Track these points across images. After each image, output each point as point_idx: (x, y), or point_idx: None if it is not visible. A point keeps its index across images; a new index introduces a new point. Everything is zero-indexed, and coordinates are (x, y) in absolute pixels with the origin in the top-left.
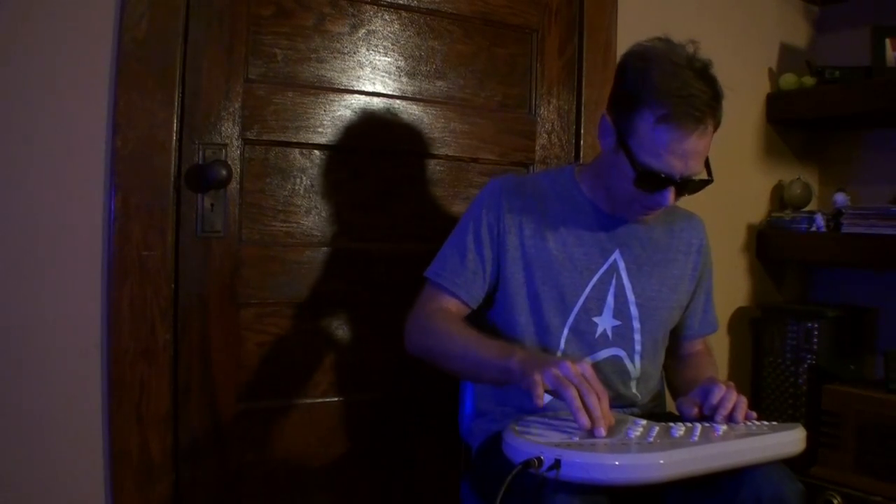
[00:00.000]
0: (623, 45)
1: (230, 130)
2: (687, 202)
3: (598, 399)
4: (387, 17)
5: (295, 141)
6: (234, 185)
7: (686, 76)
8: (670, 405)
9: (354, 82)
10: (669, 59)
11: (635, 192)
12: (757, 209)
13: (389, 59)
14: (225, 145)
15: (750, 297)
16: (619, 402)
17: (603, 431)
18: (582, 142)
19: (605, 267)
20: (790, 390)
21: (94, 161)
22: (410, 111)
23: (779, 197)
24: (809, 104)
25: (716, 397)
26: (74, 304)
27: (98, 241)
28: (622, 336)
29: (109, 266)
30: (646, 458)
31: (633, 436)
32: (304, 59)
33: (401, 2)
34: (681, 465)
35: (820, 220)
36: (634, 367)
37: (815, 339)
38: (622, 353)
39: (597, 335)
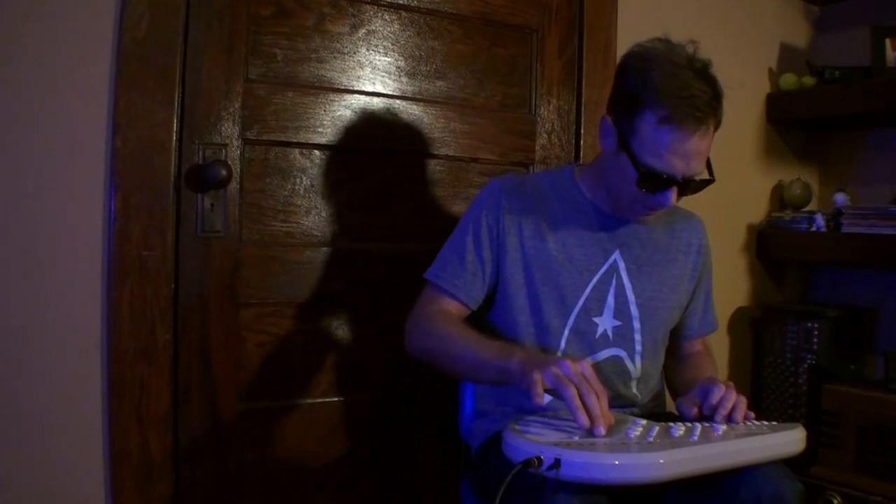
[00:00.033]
0: (623, 45)
1: (230, 130)
2: (687, 202)
3: (598, 398)
4: (387, 17)
5: (295, 141)
6: (234, 185)
7: (687, 77)
8: (670, 405)
9: (354, 82)
10: (669, 59)
11: (637, 193)
12: (757, 209)
13: (389, 59)
14: (225, 145)
15: (750, 297)
16: (620, 403)
17: (602, 430)
18: (582, 142)
19: (605, 267)
20: (790, 390)
21: (94, 161)
22: (410, 111)
23: (779, 197)
24: (809, 104)
25: (715, 397)
26: (74, 304)
27: (98, 241)
28: (623, 336)
29: (109, 266)
30: (646, 458)
31: (632, 435)
32: (304, 59)
33: (401, 2)
34: (680, 464)
35: (820, 220)
36: (635, 368)
37: (815, 339)
38: (623, 354)
39: (597, 335)
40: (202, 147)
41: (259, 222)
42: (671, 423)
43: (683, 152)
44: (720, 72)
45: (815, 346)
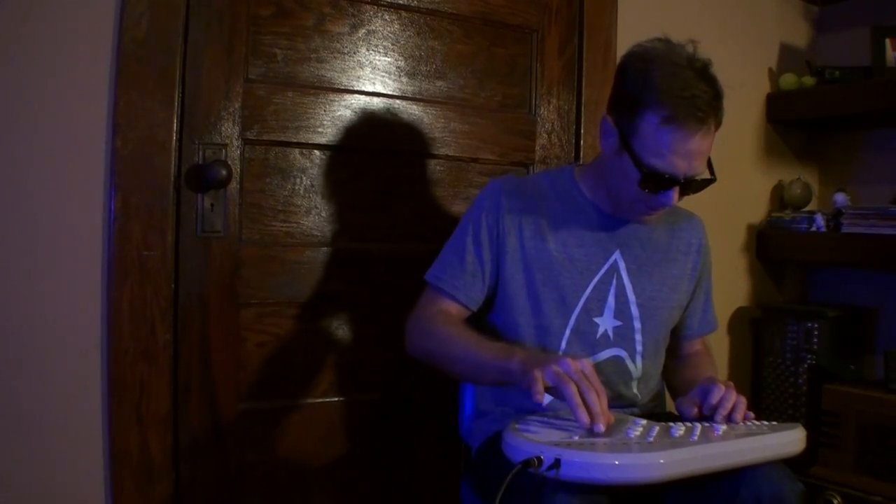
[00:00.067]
0: (623, 45)
1: (230, 130)
2: (687, 202)
3: (598, 396)
4: (387, 17)
5: (295, 141)
6: (234, 185)
7: (687, 76)
8: (670, 405)
9: (354, 82)
10: (670, 59)
11: (639, 193)
12: (757, 209)
13: (389, 59)
14: (225, 145)
15: (750, 297)
16: (620, 403)
17: (602, 428)
18: (582, 142)
19: (605, 267)
20: (790, 390)
21: (94, 161)
22: (410, 111)
23: (779, 197)
24: (809, 104)
25: (715, 397)
26: (74, 304)
27: (98, 241)
28: (623, 336)
29: (109, 266)
30: (646, 458)
31: (632, 435)
32: (304, 59)
33: (401, 2)
34: (681, 464)
35: (820, 220)
36: (636, 368)
37: (815, 339)
38: (623, 354)
39: (598, 336)
40: (202, 147)
41: (259, 222)
42: (671, 423)
43: (685, 152)
44: (720, 72)
45: (815, 346)
